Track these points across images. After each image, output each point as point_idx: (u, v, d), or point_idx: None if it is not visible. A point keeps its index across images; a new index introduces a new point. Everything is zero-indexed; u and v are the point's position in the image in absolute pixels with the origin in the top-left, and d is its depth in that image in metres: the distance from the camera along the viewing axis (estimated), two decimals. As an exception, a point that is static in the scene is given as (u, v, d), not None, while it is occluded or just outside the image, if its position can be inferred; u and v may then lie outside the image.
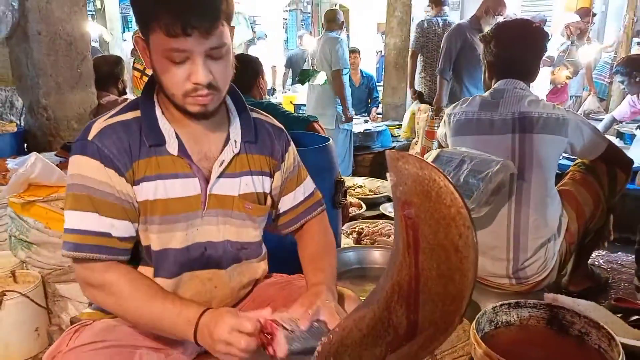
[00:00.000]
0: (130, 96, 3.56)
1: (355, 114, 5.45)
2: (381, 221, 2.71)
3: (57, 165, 1.97)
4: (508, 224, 1.73)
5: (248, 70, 2.57)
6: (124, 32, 10.57)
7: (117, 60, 3.20)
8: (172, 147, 1.04)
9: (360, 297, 1.20)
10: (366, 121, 5.12)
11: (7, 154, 2.63)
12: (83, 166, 1.00)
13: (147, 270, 1.09)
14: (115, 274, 1.01)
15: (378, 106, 5.63)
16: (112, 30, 8.65)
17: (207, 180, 1.07)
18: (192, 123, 1.06)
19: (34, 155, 1.87)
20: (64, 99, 2.76)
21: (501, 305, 1.41)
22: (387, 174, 0.70)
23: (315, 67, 4.09)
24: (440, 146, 2.10)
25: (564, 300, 1.71)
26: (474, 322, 1.35)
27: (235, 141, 1.11)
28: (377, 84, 5.87)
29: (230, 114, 1.13)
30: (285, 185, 1.22)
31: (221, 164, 1.08)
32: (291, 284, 1.24)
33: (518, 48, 1.80)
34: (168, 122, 1.05)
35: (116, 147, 1.00)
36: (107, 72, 2.97)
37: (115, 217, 1.01)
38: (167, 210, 1.05)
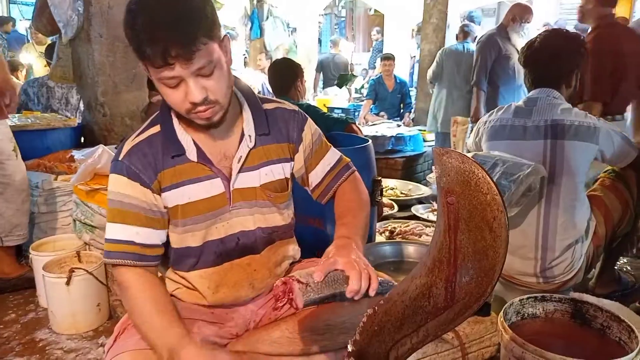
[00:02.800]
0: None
1: (388, 118, 5.59)
2: (412, 221, 2.82)
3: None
4: (537, 224, 1.83)
5: (286, 73, 2.73)
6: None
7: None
8: (191, 154, 1.13)
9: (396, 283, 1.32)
10: (399, 125, 5.22)
11: (67, 146, 2.86)
12: (115, 183, 1.13)
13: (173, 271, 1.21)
14: (133, 276, 1.10)
15: (411, 111, 5.73)
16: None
17: (228, 178, 1.16)
18: (206, 129, 1.13)
19: (100, 148, 2.07)
20: (120, 97, 2.98)
21: (528, 298, 1.51)
22: (433, 167, 0.83)
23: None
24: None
25: (589, 298, 1.79)
26: (502, 311, 1.46)
27: (250, 136, 1.18)
28: (410, 88, 5.98)
29: (243, 111, 1.20)
30: (310, 162, 1.26)
31: (239, 160, 1.16)
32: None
33: (549, 60, 1.89)
34: (185, 132, 1.14)
35: (141, 162, 1.11)
36: None
37: (140, 225, 1.11)
38: (196, 211, 1.14)
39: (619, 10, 6.51)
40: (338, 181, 1.27)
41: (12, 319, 2.05)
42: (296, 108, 1.28)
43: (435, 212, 3.00)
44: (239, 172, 1.17)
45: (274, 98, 1.31)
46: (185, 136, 1.14)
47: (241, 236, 1.19)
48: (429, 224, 2.76)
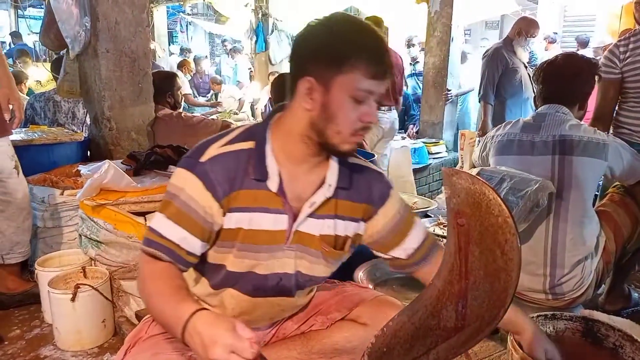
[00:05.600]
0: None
1: (392, 131, 5.59)
2: (419, 236, 2.79)
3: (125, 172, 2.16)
4: (546, 240, 1.81)
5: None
6: (169, 46, 11.10)
7: (170, 76, 3.42)
8: (272, 185, 1.10)
9: (404, 303, 1.30)
10: (403, 138, 5.22)
11: (73, 161, 2.86)
12: (187, 181, 1.07)
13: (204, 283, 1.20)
14: (163, 267, 1.05)
15: (415, 123, 5.73)
16: (160, 45, 9.09)
17: (294, 218, 1.13)
18: (295, 165, 1.13)
19: (107, 163, 2.07)
20: (126, 111, 2.98)
21: (538, 317, 1.49)
22: (443, 187, 0.82)
23: None
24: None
25: (600, 316, 1.76)
26: (512, 330, 1.43)
27: (330, 185, 1.15)
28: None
29: (330, 159, 1.16)
30: (391, 238, 1.24)
31: (311, 205, 1.13)
32: (344, 290, 1.36)
33: (571, 78, 1.90)
34: (275, 161, 1.11)
35: (222, 174, 1.07)
36: (160, 86, 3.12)
37: (192, 233, 1.06)
38: (255, 240, 1.12)
39: (625, 22, 6.52)
40: (423, 262, 1.26)
41: (17, 335, 2.04)
42: (382, 172, 1.27)
43: (442, 226, 2.99)
44: (308, 216, 1.15)
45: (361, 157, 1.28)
46: (273, 164, 1.11)
47: (283, 277, 1.17)
48: (436, 238, 2.73)
